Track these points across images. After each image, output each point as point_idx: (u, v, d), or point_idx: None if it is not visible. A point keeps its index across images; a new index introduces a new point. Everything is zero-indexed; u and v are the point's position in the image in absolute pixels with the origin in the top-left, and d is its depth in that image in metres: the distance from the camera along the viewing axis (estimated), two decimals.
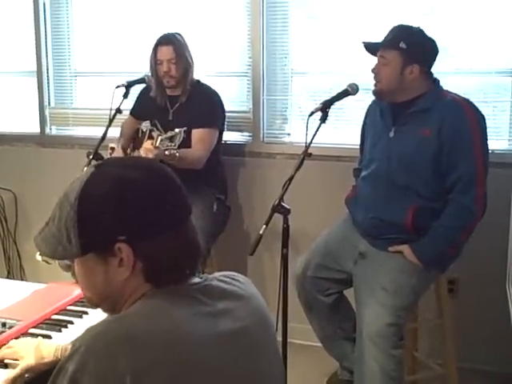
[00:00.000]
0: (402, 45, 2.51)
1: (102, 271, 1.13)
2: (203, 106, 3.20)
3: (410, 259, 2.50)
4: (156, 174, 1.17)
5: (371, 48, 2.62)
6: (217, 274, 1.24)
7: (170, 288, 1.13)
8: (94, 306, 1.24)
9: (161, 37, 3.20)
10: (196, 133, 3.18)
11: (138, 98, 3.46)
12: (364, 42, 2.63)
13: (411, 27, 2.58)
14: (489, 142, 2.54)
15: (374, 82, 2.62)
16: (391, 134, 2.59)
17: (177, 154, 2.83)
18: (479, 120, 2.50)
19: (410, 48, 2.51)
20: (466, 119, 2.47)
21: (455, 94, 2.57)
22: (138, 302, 1.12)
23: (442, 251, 2.52)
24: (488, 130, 2.54)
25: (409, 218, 2.51)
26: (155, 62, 3.19)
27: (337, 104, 2.61)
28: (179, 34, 3.22)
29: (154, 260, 1.12)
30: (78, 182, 1.14)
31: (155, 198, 1.13)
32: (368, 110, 2.81)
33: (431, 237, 2.50)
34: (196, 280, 1.18)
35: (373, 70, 2.62)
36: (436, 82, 2.61)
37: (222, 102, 3.30)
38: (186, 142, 3.17)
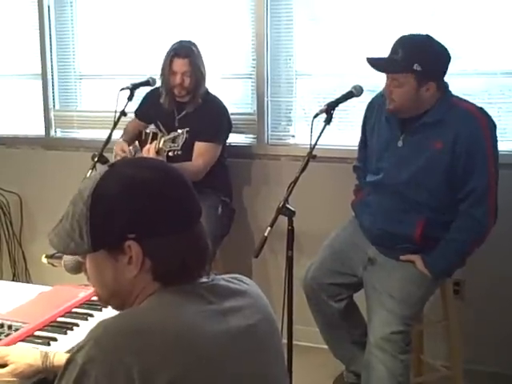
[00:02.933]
0: (417, 67, 2.36)
1: (112, 268, 1.15)
2: (210, 119, 3.18)
3: (420, 270, 2.49)
4: (168, 175, 1.19)
5: (377, 66, 2.47)
6: (223, 276, 1.26)
7: (178, 287, 1.14)
8: (105, 303, 1.26)
9: (177, 47, 3.16)
10: (198, 146, 3.17)
11: (143, 100, 3.43)
12: (369, 59, 2.46)
13: (422, 41, 2.44)
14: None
15: (385, 96, 2.51)
16: (399, 144, 2.52)
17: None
18: (492, 131, 2.44)
19: (425, 69, 2.37)
20: (481, 132, 2.40)
21: (466, 101, 2.51)
22: (147, 299, 1.14)
23: (453, 263, 2.53)
24: None
25: (417, 231, 2.48)
26: (169, 71, 3.17)
27: (341, 106, 2.58)
28: (194, 45, 3.19)
29: (162, 259, 1.14)
30: (91, 180, 1.16)
31: (166, 198, 1.14)
32: (368, 105, 2.71)
33: (443, 250, 2.47)
34: (204, 280, 1.19)
35: (384, 91, 2.51)
36: (446, 88, 2.51)
37: (228, 115, 3.29)
38: (189, 144, 3.17)
